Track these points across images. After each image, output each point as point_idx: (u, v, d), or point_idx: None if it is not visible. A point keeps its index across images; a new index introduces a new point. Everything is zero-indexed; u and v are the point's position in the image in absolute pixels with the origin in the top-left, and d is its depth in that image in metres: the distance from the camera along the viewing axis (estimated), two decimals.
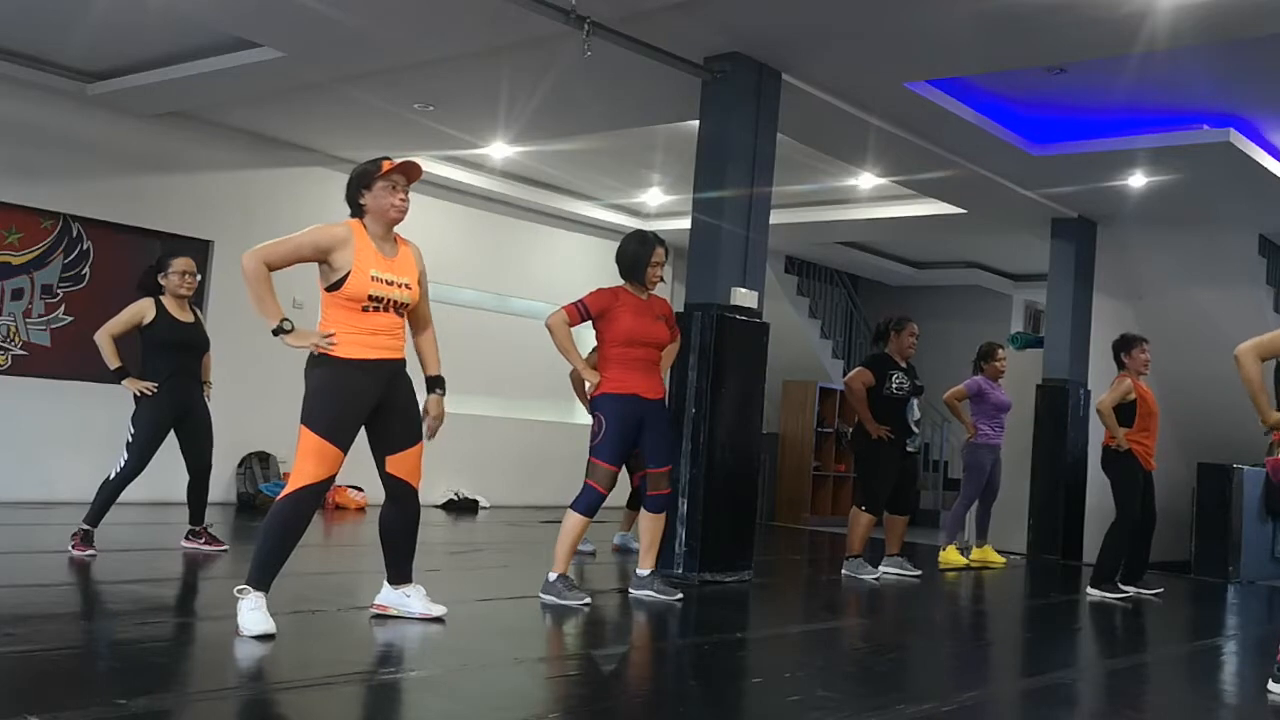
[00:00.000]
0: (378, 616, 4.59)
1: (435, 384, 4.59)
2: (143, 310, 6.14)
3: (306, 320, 4.47)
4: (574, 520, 5.36)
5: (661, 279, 5.62)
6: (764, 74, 6.93)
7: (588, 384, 5.49)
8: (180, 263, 6.24)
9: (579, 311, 5.48)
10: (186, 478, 6.36)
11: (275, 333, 4.17)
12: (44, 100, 8.47)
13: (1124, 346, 7.29)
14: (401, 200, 4.35)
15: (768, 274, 7.28)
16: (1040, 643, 5.87)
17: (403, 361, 4.39)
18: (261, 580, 4.14)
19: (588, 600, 5.32)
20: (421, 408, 4.54)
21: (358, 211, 4.39)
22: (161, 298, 6.19)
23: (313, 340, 4.19)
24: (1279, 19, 5.72)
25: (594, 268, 11.50)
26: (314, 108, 8.62)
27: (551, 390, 11.16)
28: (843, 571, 7.38)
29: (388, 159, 4.37)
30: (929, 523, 11.99)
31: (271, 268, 4.18)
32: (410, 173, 4.38)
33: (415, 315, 4.58)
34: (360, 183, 4.36)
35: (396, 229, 4.44)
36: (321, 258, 4.23)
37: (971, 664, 5.17)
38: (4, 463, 8.29)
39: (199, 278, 6.43)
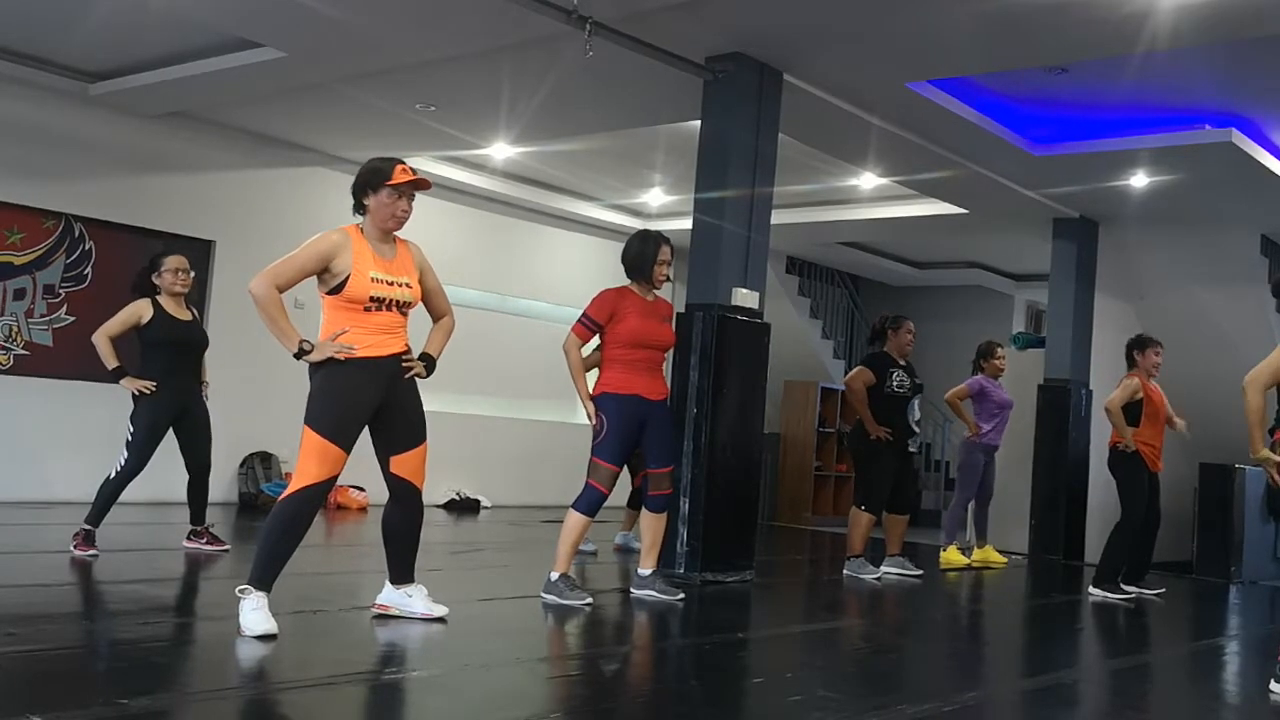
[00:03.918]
0: (379, 616, 4.59)
1: (423, 358, 4.53)
2: (140, 311, 6.14)
3: (308, 321, 4.48)
4: (575, 520, 5.36)
5: (669, 278, 5.62)
6: (765, 74, 6.92)
7: (586, 413, 5.48)
8: (173, 261, 6.24)
9: (587, 328, 5.49)
10: (187, 477, 6.36)
11: (298, 356, 4.18)
12: (46, 100, 8.47)
13: (1138, 346, 7.30)
14: (403, 211, 4.35)
15: (769, 274, 7.28)
16: (1042, 643, 5.87)
17: (404, 354, 4.39)
18: (263, 580, 4.14)
19: (589, 600, 5.32)
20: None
21: (359, 208, 4.40)
22: (158, 297, 6.20)
23: (330, 351, 4.20)
24: None
25: (595, 268, 11.52)
26: (315, 108, 8.62)
27: (553, 390, 11.16)
28: (844, 571, 7.38)
29: (401, 162, 4.36)
30: (930, 523, 11.98)
31: (281, 289, 4.19)
32: (419, 186, 4.39)
33: (431, 309, 4.64)
34: (367, 182, 4.36)
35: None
36: (324, 266, 4.24)
37: (973, 664, 5.17)
38: (5, 463, 8.30)
39: (193, 274, 6.43)
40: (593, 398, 5.47)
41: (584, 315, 5.51)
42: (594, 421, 5.40)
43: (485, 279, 11.37)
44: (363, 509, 9.54)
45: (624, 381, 5.42)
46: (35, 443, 8.47)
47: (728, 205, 6.73)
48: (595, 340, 5.64)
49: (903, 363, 7.40)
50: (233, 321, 8.86)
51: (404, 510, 4.52)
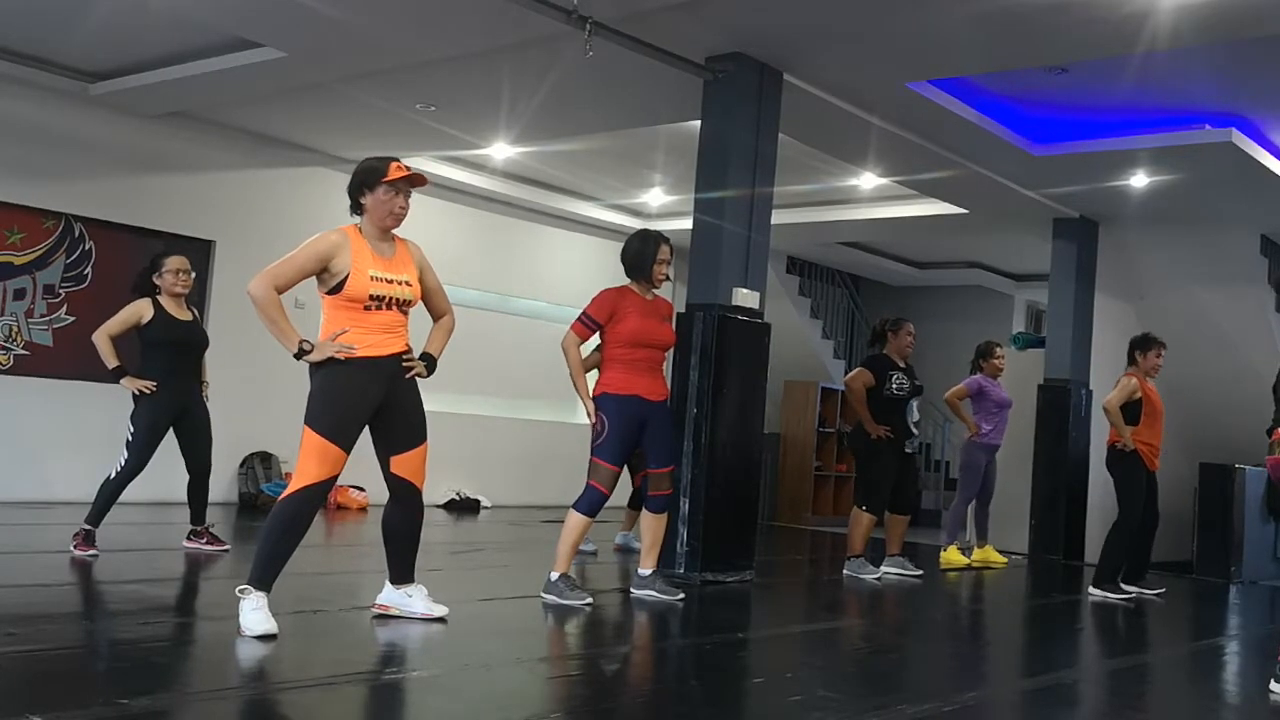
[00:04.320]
0: (380, 616, 4.60)
1: (424, 358, 4.55)
2: (140, 310, 6.15)
3: (309, 321, 4.48)
4: (576, 520, 5.36)
5: (668, 277, 5.63)
6: (765, 74, 6.92)
7: (586, 411, 5.47)
8: (173, 261, 6.24)
9: (586, 326, 5.48)
10: (187, 477, 6.36)
11: (297, 356, 4.18)
12: (46, 100, 8.47)
13: (1141, 345, 7.29)
14: (401, 208, 4.35)
15: (769, 274, 7.28)
16: (1041, 643, 5.87)
17: (404, 353, 4.39)
18: (263, 580, 4.14)
19: (589, 600, 5.32)
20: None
21: (356, 208, 4.39)
22: (159, 297, 6.20)
23: (330, 351, 4.20)
24: None
25: (596, 268, 11.51)
26: (315, 108, 8.62)
27: (553, 390, 11.16)
28: (844, 571, 7.38)
29: (396, 160, 4.36)
30: (930, 523, 11.98)
31: (280, 290, 4.19)
32: (415, 182, 4.39)
33: (431, 308, 4.63)
34: (364, 181, 4.36)
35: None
36: (322, 267, 4.24)
37: (973, 664, 5.17)
38: (5, 463, 8.30)
39: (194, 275, 6.44)
40: (593, 398, 5.48)
41: (584, 314, 5.51)
42: (593, 420, 5.40)
43: (485, 279, 11.37)
44: (363, 509, 9.54)
45: (624, 382, 5.42)
46: (35, 443, 8.47)
47: (728, 205, 6.73)
48: (595, 341, 5.64)
49: (903, 365, 7.41)
50: (233, 321, 8.86)
51: (404, 510, 4.52)
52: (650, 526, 5.61)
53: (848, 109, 7.57)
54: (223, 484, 9.26)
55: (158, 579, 5.60)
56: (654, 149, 9.62)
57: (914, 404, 7.46)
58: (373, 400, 4.29)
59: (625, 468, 5.63)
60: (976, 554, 8.78)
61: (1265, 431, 4.76)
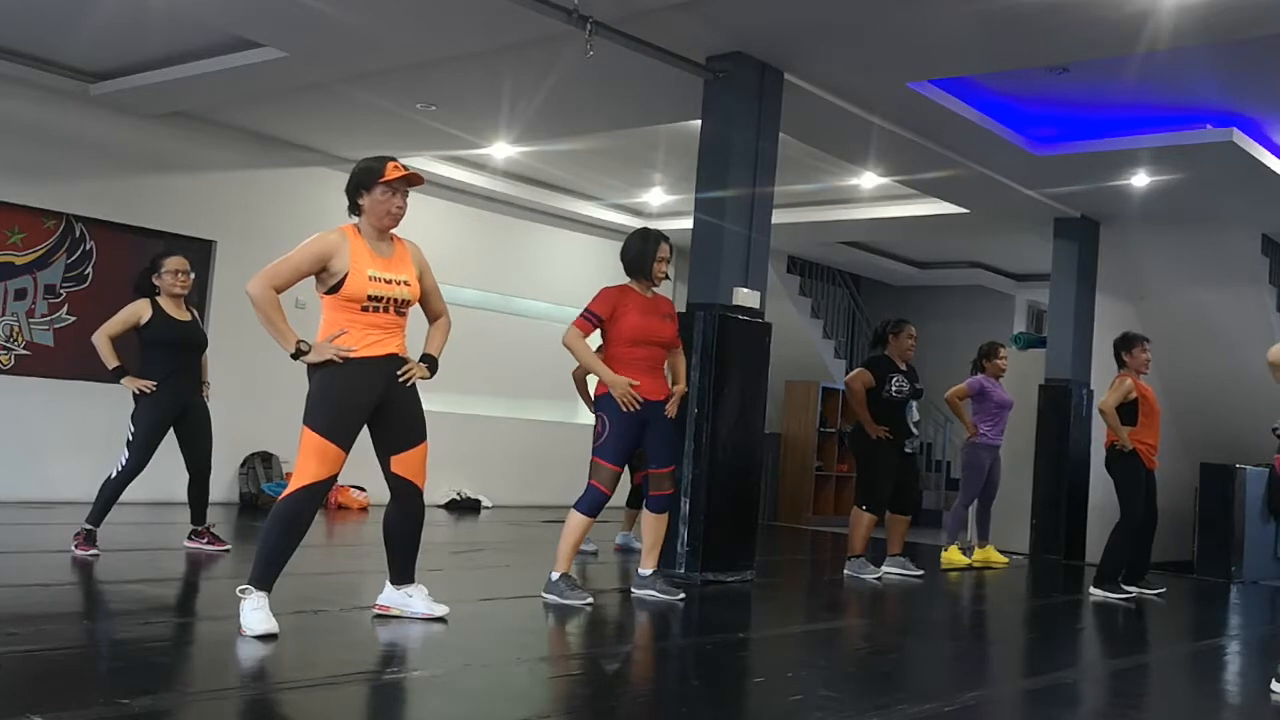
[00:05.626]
0: (380, 616, 4.60)
1: (425, 359, 4.55)
2: (139, 311, 6.15)
3: (309, 321, 4.48)
4: (576, 520, 5.36)
5: (667, 275, 5.62)
6: (766, 73, 6.92)
7: (611, 384, 5.41)
8: (173, 262, 6.25)
9: (590, 322, 5.46)
10: (188, 477, 6.36)
11: (294, 356, 4.18)
12: (47, 100, 8.47)
13: (1125, 345, 7.30)
14: (399, 208, 4.35)
15: (770, 274, 7.28)
16: (1042, 643, 5.87)
17: (401, 354, 4.39)
18: (264, 580, 4.14)
19: (590, 600, 5.32)
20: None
21: (354, 209, 4.40)
22: (158, 298, 6.21)
23: (329, 353, 4.20)
24: None
25: (596, 267, 11.51)
26: (316, 108, 8.62)
27: (554, 390, 11.16)
28: (845, 571, 7.38)
29: (393, 159, 4.37)
30: (931, 523, 11.98)
31: (278, 290, 4.19)
32: (411, 181, 4.39)
33: (428, 309, 4.63)
34: (361, 182, 4.36)
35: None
36: (321, 267, 4.24)
37: (973, 664, 5.17)
38: (6, 462, 8.30)
39: (193, 275, 6.44)
40: (595, 398, 5.48)
41: (586, 310, 5.50)
42: (622, 392, 5.33)
43: (486, 279, 11.37)
44: (363, 509, 9.54)
45: None
46: (36, 442, 8.48)
47: (729, 205, 6.73)
48: (596, 341, 5.63)
49: (903, 367, 7.39)
50: (233, 322, 8.86)
51: (405, 510, 4.52)
52: (651, 526, 5.61)
53: (848, 108, 7.57)
54: (223, 484, 9.26)
55: (159, 579, 5.60)
56: (654, 149, 9.62)
57: (914, 404, 7.46)
58: (371, 399, 4.29)
59: (626, 467, 5.63)
60: (977, 554, 8.77)
61: (1274, 432, 4.74)
